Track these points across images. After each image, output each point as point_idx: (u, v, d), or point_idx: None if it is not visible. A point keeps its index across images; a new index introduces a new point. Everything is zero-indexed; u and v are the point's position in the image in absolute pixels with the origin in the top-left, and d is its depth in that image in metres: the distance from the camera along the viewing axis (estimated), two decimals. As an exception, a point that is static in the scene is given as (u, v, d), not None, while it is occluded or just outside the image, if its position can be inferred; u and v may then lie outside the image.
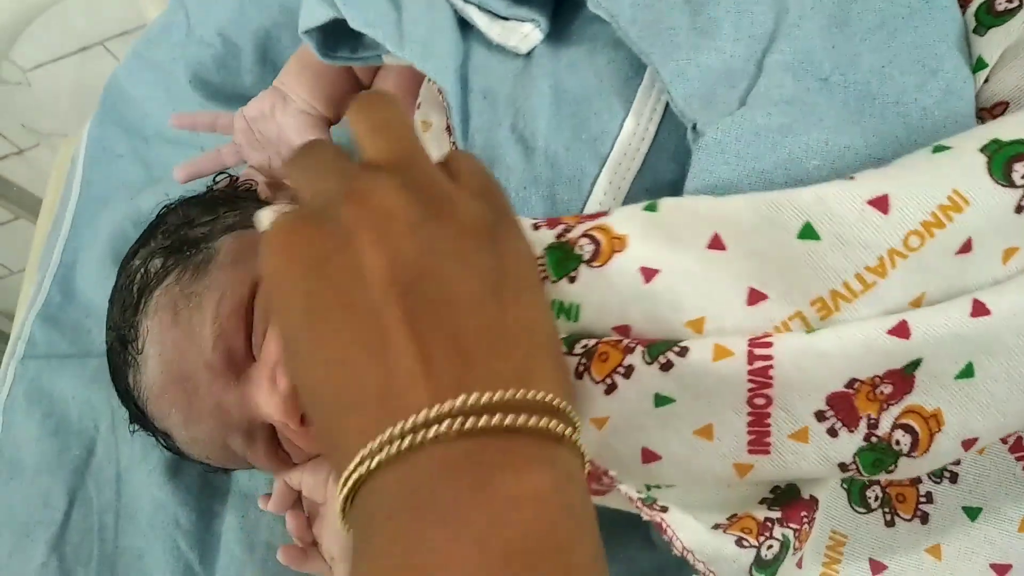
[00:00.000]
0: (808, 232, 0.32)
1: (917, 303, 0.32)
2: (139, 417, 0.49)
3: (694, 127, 0.39)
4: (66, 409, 0.63)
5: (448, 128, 0.48)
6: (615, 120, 0.43)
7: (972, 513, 0.39)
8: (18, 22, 0.84)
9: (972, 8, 0.39)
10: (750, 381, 0.32)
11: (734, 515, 0.36)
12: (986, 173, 0.32)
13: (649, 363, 0.33)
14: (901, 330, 0.31)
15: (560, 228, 0.36)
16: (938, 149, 0.33)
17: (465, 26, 0.47)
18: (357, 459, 0.23)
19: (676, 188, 0.41)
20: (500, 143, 0.44)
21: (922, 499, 0.40)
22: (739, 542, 0.34)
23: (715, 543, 0.34)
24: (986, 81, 0.38)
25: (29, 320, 0.68)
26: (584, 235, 0.35)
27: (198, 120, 0.58)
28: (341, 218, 0.26)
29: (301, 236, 0.26)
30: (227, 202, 0.52)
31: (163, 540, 0.56)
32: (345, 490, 0.24)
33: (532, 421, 0.24)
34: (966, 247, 0.32)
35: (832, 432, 0.33)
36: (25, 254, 0.84)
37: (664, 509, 0.34)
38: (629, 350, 0.34)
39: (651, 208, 0.35)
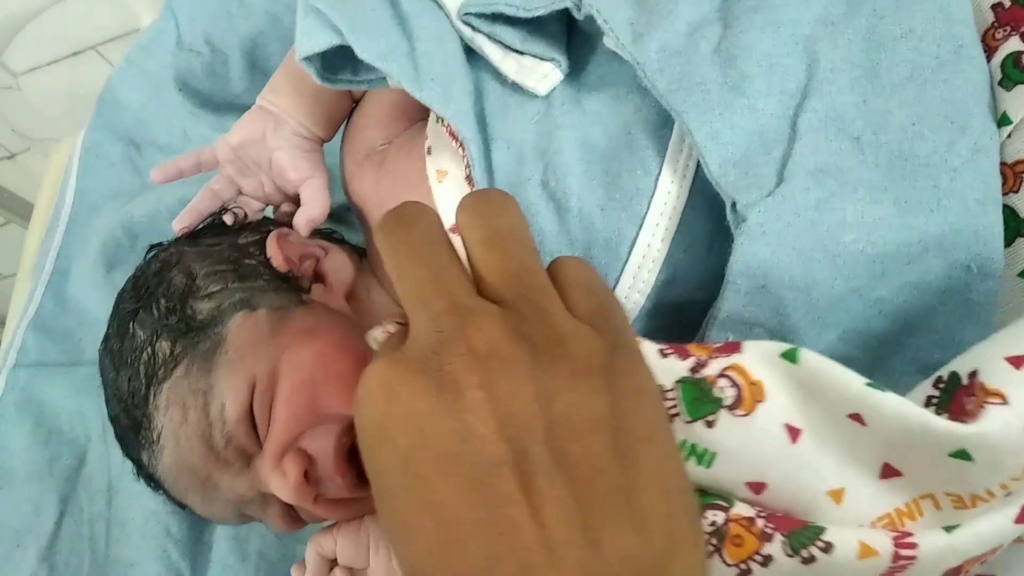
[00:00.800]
0: (962, 455, 0.31)
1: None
2: (150, 481, 0.49)
3: (734, 206, 0.39)
4: (57, 418, 0.63)
5: (468, 178, 0.45)
6: (649, 177, 0.41)
7: None
8: (11, 27, 0.84)
9: (998, 58, 0.39)
10: (889, 572, 0.31)
11: None
12: None
13: (791, 555, 0.32)
14: None
15: (692, 361, 0.33)
16: None
17: (470, 54, 0.45)
18: None
19: (711, 248, 0.41)
20: (531, 202, 0.42)
21: None
22: None
23: None
24: (1008, 136, 0.38)
25: (21, 328, 0.68)
26: (722, 375, 0.32)
27: (182, 166, 0.54)
28: (449, 368, 0.23)
29: (406, 387, 0.24)
30: (235, 267, 0.49)
31: (154, 550, 0.56)
32: None
33: None
34: None
35: None
36: (14, 259, 0.84)
37: None
38: (766, 537, 0.32)
39: (790, 358, 0.32)
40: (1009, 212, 0.38)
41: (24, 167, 1.17)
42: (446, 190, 0.45)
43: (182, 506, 0.49)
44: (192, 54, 0.71)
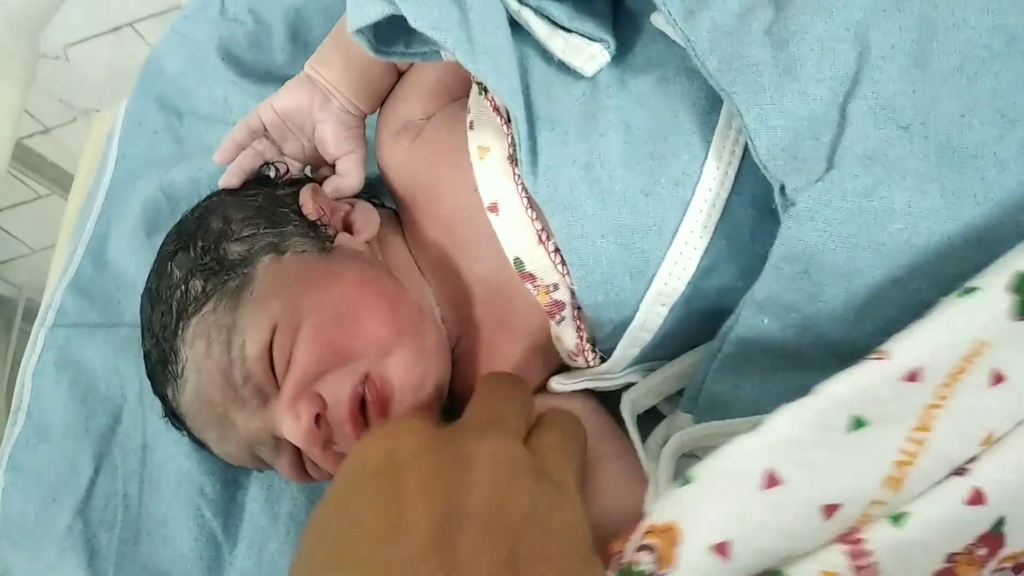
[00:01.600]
0: (857, 424, 0.32)
1: (987, 442, 0.33)
2: (173, 418, 0.50)
3: (782, 189, 0.38)
4: (94, 377, 0.64)
5: (511, 158, 0.45)
6: (696, 162, 0.41)
7: None
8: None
9: None
10: None
11: None
12: (1008, 317, 0.32)
13: None
14: (977, 498, 0.32)
15: (614, 561, 0.34)
16: (966, 292, 0.33)
17: (514, 29, 0.44)
18: None
19: (754, 236, 0.41)
20: (575, 184, 0.42)
21: None
22: None
23: None
24: None
25: (60, 289, 0.69)
26: (639, 548, 0.33)
27: (238, 139, 0.54)
28: None
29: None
30: (268, 214, 0.51)
31: (187, 508, 0.56)
32: None
33: None
34: (997, 378, 0.32)
35: None
36: (49, 233, 0.85)
37: None
38: None
39: (687, 482, 0.33)
40: None
41: (64, 139, 1.18)
42: (488, 166, 0.46)
43: (201, 445, 0.50)
44: (236, 23, 0.71)
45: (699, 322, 0.45)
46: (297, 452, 0.47)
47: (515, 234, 0.45)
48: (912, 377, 0.32)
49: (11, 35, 0.79)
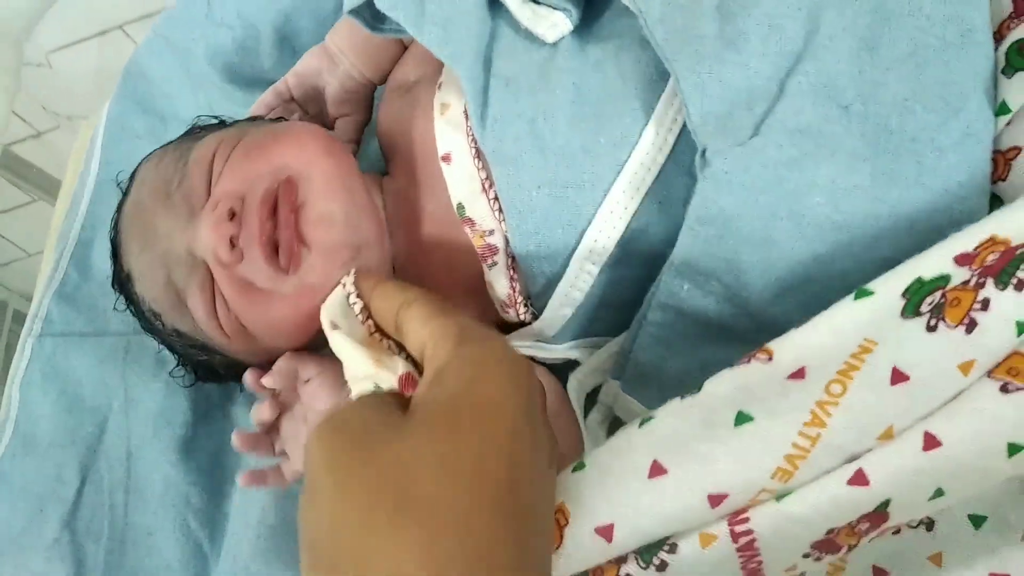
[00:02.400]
0: (742, 418, 0.33)
1: (888, 435, 0.33)
2: (115, 264, 0.53)
3: (703, 153, 0.39)
4: (80, 387, 0.64)
5: (465, 112, 0.47)
6: (636, 126, 0.42)
7: (977, 521, 0.39)
8: (42, 5, 0.85)
9: (1005, 45, 0.38)
10: (740, 556, 0.34)
11: None
12: (898, 316, 0.33)
13: (644, 567, 0.35)
14: (859, 478, 0.33)
15: None
16: (860, 294, 0.34)
17: (493, 2, 0.46)
18: None
19: (686, 204, 0.42)
20: (518, 136, 0.44)
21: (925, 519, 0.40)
22: None
23: None
24: (1007, 124, 0.38)
25: (46, 298, 0.69)
26: None
27: (267, 102, 0.61)
28: None
29: None
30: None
31: (173, 518, 0.57)
32: None
33: None
34: (899, 376, 0.32)
35: (817, 559, 0.35)
36: (43, 237, 0.85)
37: None
38: (622, 560, 0.35)
39: (579, 468, 0.35)
40: (995, 201, 0.38)
41: (51, 145, 1.18)
42: (446, 121, 0.49)
43: (127, 282, 0.51)
44: (223, 27, 0.71)
45: (632, 291, 0.46)
46: (209, 278, 0.47)
47: (461, 182, 0.48)
48: (797, 375, 0.33)
49: (-5, 42, 0.79)
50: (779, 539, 0.33)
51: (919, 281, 0.33)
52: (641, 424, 0.35)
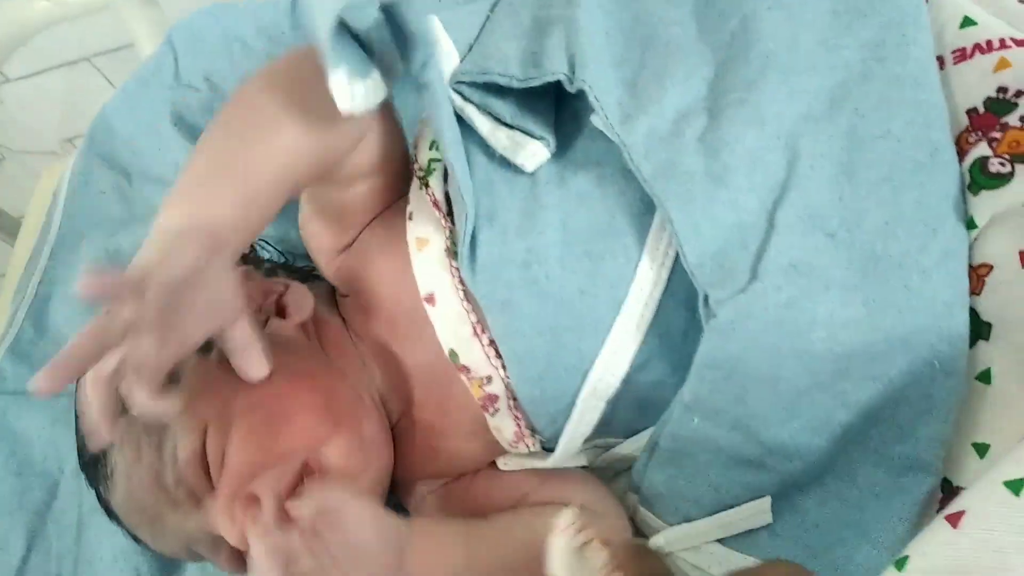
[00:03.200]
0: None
1: None
2: (108, 513, 0.50)
3: (706, 300, 0.40)
4: (31, 449, 0.63)
5: (448, 251, 0.46)
6: (630, 264, 0.43)
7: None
8: (13, 40, 0.85)
9: (967, 162, 0.40)
10: None
11: None
12: None
13: None
14: None
15: None
16: (1015, 487, 0.31)
17: (462, 123, 0.45)
18: None
19: (686, 336, 0.43)
20: (511, 283, 0.43)
21: None
22: None
23: None
24: (975, 239, 0.40)
25: (0, 354, 0.68)
26: None
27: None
28: None
29: None
30: None
31: (122, 590, 0.56)
32: None
33: None
34: None
35: None
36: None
37: None
38: None
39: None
40: (971, 315, 0.40)
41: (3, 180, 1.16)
42: (426, 258, 0.47)
43: (137, 540, 0.49)
44: (190, 90, 0.72)
45: (637, 411, 0.46)
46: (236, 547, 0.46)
47: (450, 326, 0.46)
48: None
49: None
50: None
51: None
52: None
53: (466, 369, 0.46)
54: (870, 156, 0.39)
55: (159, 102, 0.73)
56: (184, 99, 0.72)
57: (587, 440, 0.48)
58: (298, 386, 0.46)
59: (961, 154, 0.40)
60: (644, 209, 0.42)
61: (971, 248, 0.40)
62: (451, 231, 0.46)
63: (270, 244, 0.61)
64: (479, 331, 0.46)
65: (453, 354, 0.46)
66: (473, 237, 0.43)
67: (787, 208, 0.39)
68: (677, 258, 0.42)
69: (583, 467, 0.52)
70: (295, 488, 0.44)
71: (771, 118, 0.40)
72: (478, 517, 0.50)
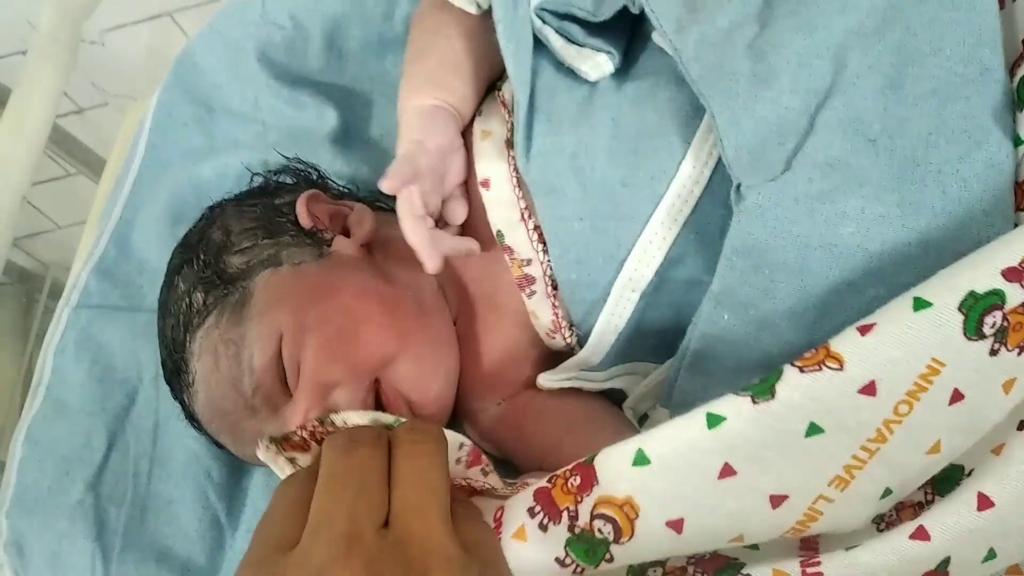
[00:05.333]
0: (814, 430, 0.34)
1: (936, 450, 0.35)
2: (192, 421, 0.54)
3: (738, 187, 0.41)
4: (112, 359, 0.66)
5: (508, 142, 0.50)
6: (673, 160, 0.45)
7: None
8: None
9: (1016, 80, 0.40)
10: None
11: None
12: (961, 334, 0.34)
13: None
14: (921, 533, 0.35)
15: (566, 517, 0.36)
16: (920, 306, 0.35)
17: (536, 43, 0.49)
18: None
19: (723, 234, 0.43)
20: (560, 171, 0.46)
21: None
22: None
23: None
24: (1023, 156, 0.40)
25: (85, 271, 0.71)
26: (594, 516, 0.36)
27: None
28: None
29: None
30: (266, 224, 0.54)
31: (194, 490, 0.59)
32: None
33: None
34: (956, 397, 0.34)
35: None
36: (79, 209, 0.87)
37: None
38: None
39: (641, 461, 0.36)
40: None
41: (94, 122, 1.21)
42: (487, 147, 0.51)
43: (220, 446, 0.53)
44: (275, 27, 0.74)
45: (670, 317, 0.48)
46: None
47: (501, 208, 0.50)
48: (868, 390, 0.34)
49: (59, 19, 0.82)
50: None
51: (972, 295, 0.34)
52: (710, 424, 0.35)
53: (509, 250, 0.50)
54: (918, 71, 0.40)
55: (243, 38, 0.76)
56: (269, 36, 0.75)
57: (623, 357, 0.50)
58: (366, 302, 0.49)
59: (1013, 77, 0.41)
60: (693, 113, 0.44)
61: (1019, 165, 0.40)
62: (512, 126, 0.50)
63: (336, 183, 0.64)
64: (526, 216, 0.49)
65: (500, 235, 0.50)
66: (530, 130, 0.47)
67: (829, 112, 0.40)
68: (720, 161, 0.43)
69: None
70: (367, 402, 0.46)
71: (821, 28, 0.41)
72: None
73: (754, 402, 0.35)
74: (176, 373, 0.52)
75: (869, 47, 0.41)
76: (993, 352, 0.34)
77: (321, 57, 0.74)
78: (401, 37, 0.71)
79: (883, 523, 0.39)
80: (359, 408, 0.46)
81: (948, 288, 0.35)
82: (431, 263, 0.48)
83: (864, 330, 0.35)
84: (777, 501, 0.35)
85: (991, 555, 0.35)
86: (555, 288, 0.50)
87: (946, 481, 0.38)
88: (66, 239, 1.35)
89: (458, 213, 0.53)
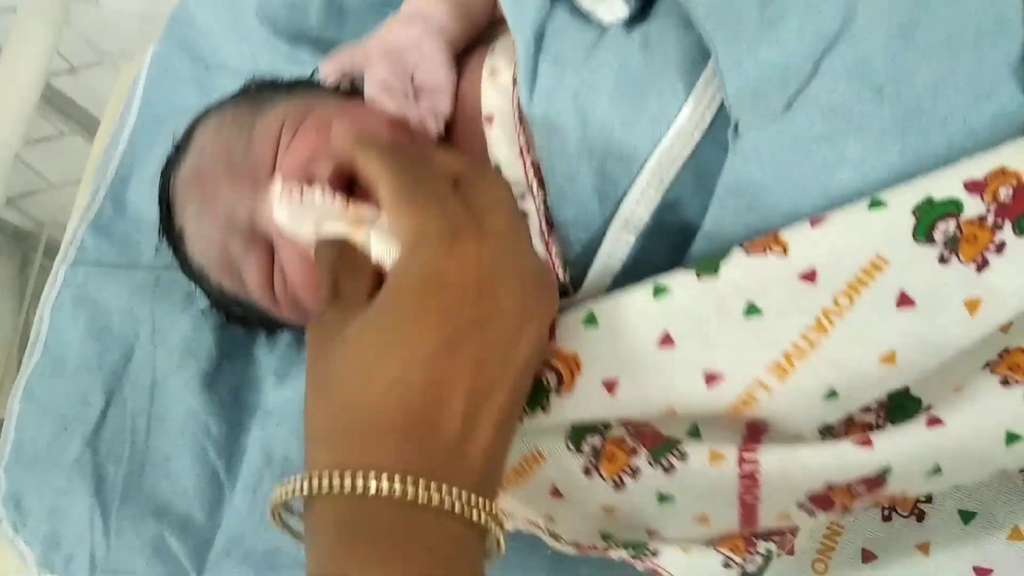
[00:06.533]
0: (752, 310, 0.35)
1: (889, 360, 0.35)
2: (164, 218, 0.55)
3: (736, 127, 0.40)
4: (109, 316, 0.66)
5: (514, 80, 0.49)
6: (675, 103, 0.44)
7: (966, 517, 0.41)
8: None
9: None
10: (741, 482, 0.36)
11: (722, 537, 0.39)
12: (910, 235, 0.34)
13: (652, 464, 0.38)
14: (864, 441, 0.35)
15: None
16: (875, 204, 0.35)
17: None
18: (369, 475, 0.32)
19: None
20: (561, 110, 0.46)
21: (921, 499, 0.42)
22: (726, 563, 0.38)
23: (704, 569, 0.39)
24: None
25: (81, 228, 0.71)
26: (546, 365, 0.38)
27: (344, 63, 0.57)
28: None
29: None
30: (308, 85, 0.58)
31: (192, 447, 0.59)
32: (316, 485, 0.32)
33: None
34: (904, 300, 0.34)
35: (811, 514, 0.37)
36: (74, 167, 0.86)
37: (655, 553, 0.39)
38: (634, 452, 0.38)
39: (591, 321, 0.38)
40: None
41: (88, 80, 1.19)
42: (493, 83, 0.51)
43: (179, 241, 0.53)
44: (275, -18, 0.72)
45: (665, 262, 0.46)
46: (268, 253, 0.49)
47: (502, 144, 0.49)
48: (808, 277, 0.35)
49: (50, -26, 0.80)
50: (781, 479, 0.35)
51: (929, 200, 0.34)
52: (656, 294, 0.37)
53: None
54: (931, 20, 0.39)
55: (242, -7, 0.74)
56: (269, -9, 0.73)
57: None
58: (381, 114, 0.51)
59: None
60: (699, 57, 0.44)
61: None
62: (516, 61, 0.50)
63: None
64: (524, 152, 0.48)
65: (497, 169, 0.49)
66: (535, 69, 0.47)
67: (835, 57, 0.39)
68: (723, 106, 0.42)
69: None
70: (345, 170, 0.45)
71: None
72: None
73: (698, 277, 0.36)
74: (175, 151, 0.55)
75: None
76: (943, 260, 0.34)
77: (321, 14, 0.72)
78: (403, -9, 0.70)
79: (829, 436, 0.39)
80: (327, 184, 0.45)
81: (905, 191, 0.35)
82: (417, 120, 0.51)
83: (815, 222, 0.36)
84: (712, 379, 0.35)
85: (936, 470, 0.35)
86: (550, 226, 0.49)
87: (901, 410, 0.38)
88: (60, 198, 1.33)
89: (436, 108, 0.53)
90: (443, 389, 0.33)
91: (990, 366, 0.36)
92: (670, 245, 0.46)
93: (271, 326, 0.59)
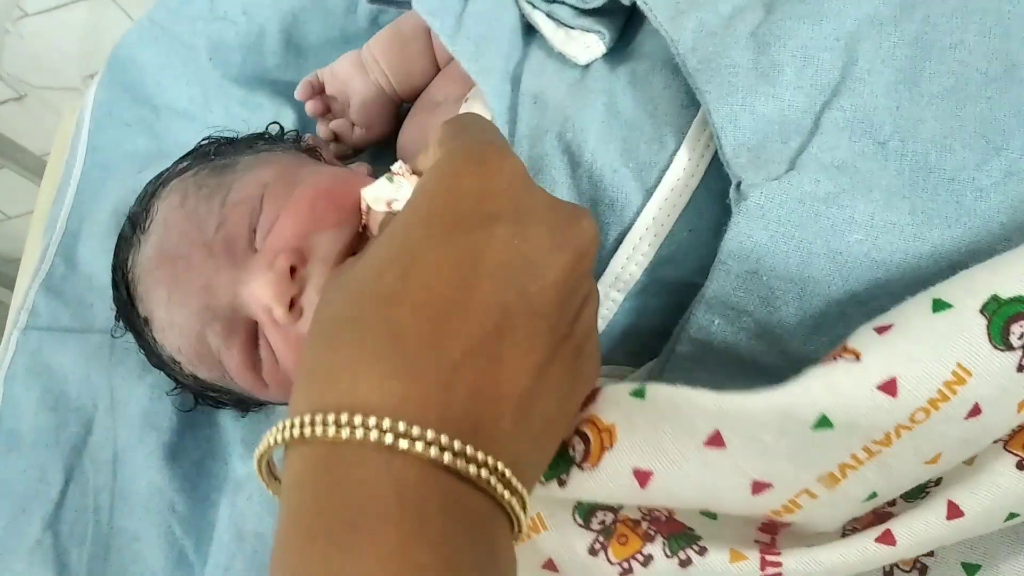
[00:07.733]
0: (823, 422, 0.31)
1: (934, 461, 0.33)
2: (125, 305, 0.50)
3: (738, 185, 0.38)
4: (65, 385, 0.63)
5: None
6: (665, 152, 0.42)
7: (971, 569, 0.40)
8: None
9: None
10: None
11: None
12: (986, 339, 0.32)
13: (669, 557, 0.34)
14: (887, 538, 0.33)
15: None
16: (938, 306, 0.32)
17: (529, 29, 0.48)
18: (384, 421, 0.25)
19: (717, 233, 0.41)
20: (546, 152, 0.44)
21: (923, 552, 0.41)
22: None
23: None
24: None
25: (32, 290, 0.67)
26: (576, 432, 0.34)
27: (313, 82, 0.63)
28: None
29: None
30: (269, 140, 0.56)
31: (158, 525, 0.57)
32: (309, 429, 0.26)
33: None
34: (975, 412, 0.32)
35: None
36: (5, 203, 0.81)
37: None
38: (649, 537, 0.35)
39: (639, 395, 0.33)
40: None
41: (22, 114, 1.14)
42: None
43: (145, 327, 0.49)
44: (226, 22, 0.69)
45: (658, 321, 0.44)
46: (252, 336, 0.46)
47: None
48: (887, 387, 0.31)
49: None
50: None
51: (996, 299, 0.31)
52: (722, 392, 0.32)
53: None
54: (936, 66, 0.37)
55: (190, 34, 0.71)
56: (220, 33, 0.70)
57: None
58: (358, 176, 0.49)
59: None
60: (688, 102, 0.42)
61: None
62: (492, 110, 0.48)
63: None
64: None
65: None
66: (515, 112, 0.46)
67: (836, 111, 0.37)
68: (716, 154, 0.41)
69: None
70: (350, 252, 0.43)
71: (831, 16, 0.38)
72: None
73: (772, 389, 0.32)
74: (132, 227, 0.49)
75: (883, 38, 0.38)
76: (1020, 368, 0.31)
77: (278, 54, 0.69)
78: (364, 32, 0.68)
79: (847, 527, 0.38)
80: (340, 251, 0.43)
81: (967, 290, 0.32)
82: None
83: (881, 330, 0.32)
84: (760, 488, 0.32)
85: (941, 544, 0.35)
86: None
87: (913, 487, 0.36)
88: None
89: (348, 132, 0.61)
90: (461, 292, 0.28)
91: (1002, 441, 0.34)
92: (663, 303, 0.44)
93: (246, 406, 0.56)
